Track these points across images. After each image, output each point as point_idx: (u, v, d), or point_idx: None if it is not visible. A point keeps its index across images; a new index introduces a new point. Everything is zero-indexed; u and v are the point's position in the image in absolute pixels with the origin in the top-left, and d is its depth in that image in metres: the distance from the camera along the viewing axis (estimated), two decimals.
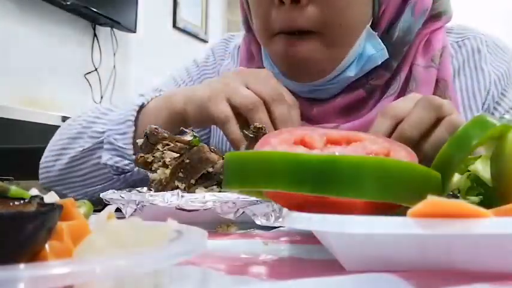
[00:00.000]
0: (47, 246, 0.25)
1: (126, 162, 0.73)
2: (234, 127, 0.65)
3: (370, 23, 0.73)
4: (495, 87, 0.82)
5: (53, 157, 0.82)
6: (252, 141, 0.61)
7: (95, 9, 2.51)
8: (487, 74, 0.82)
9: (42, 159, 0.84)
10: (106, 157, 0.73)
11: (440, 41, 0.81)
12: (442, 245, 0.30)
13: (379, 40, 0.74)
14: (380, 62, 0.75)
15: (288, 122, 0.65)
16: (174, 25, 3.43)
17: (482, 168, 0.38)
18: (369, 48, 0.73)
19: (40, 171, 0.84)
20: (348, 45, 0.72)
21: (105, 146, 0.74)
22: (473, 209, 0.28)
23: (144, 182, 0.90)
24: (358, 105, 0.78)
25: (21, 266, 0.21)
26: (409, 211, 0.28)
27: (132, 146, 0.73)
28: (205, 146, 0.61)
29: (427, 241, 0.30)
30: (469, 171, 0.39)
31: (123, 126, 0.73)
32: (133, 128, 0.73)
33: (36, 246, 0.24)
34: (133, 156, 0.72)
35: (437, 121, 0.58)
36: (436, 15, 0.80)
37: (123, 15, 2.76)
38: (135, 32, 2.89)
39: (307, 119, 0.80)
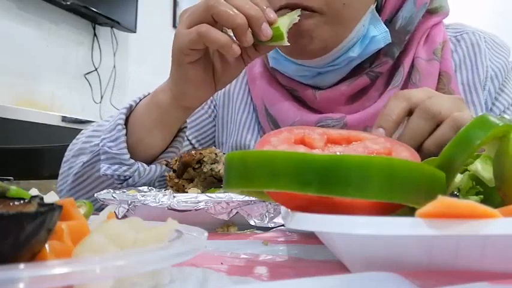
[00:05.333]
0: (47, 246, 0.25)
1: (125, 168, 0.71)
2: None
3: (374, 5, 0.76)
4: (491, 82, 0.83)
5: (63, 179, 0.82)
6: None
7: (95, 9, 2.51)
8: (485, 69, 0.83)
9: (57, 182, 0.85)
10: (104, 167, 0.72)
11: (440, 35, 0.82)
12: (451, 245, 0.29)
13: (383, 24, 0.76)
14: (383, 45, 0.77)
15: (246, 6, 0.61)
16: (174, 25, 3.43)
17: (481, 167, 0.38)
18: (372, 30, 0.76)
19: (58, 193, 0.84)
20: (351, 25, 0.74)
21: (102, 157, 0.73)
22: (484, 209, 0.27)
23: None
24: (362, 94, 0.79)
25: (21, 266, 0.21)
26: (418, 211, 0.28)
27: (127, 150, 0.72)
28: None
29: (436, 242, 0.29)
30: (467, 170, 0.39)
31: (114, 132, 0.72)
32: (124, 132, 0.72)
33: (36, 246, 0.24)
34: (131, 161, 0.71)
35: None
36: (433, 10, 0.82)
37: (123, 15, 2.76)
38: (135, 32, 2.89)
39: (310, 107, 0.81)
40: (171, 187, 0.66)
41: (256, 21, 0.61)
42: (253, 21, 0.61)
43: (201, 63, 0.67)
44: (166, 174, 0.86)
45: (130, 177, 0.72)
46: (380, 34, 0.76)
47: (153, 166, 0.73)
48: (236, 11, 0.61)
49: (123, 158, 0.71)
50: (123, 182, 0.73)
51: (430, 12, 0.82)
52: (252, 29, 0.62)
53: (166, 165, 0.69)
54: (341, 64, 0.77)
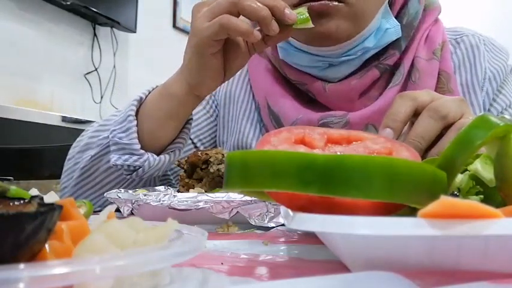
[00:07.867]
0: (47, 246, 0.25)
1: (135, 157, 0.72)
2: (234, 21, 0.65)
3: (387, 0, 0.79)
4: (490, 83, 0.85)
5: (68, 175, 0.82)
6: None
7: (95, 9, 2.51)
8: (483, 70, 0.85)
9: (61, 180, 0.85)
10: (114, 158, 0.73)
11: (440, 36, 0.84)
12: (453, 245, 0.29)
13: (394, 18, 0.80)
14: (395, 38, 0.80)
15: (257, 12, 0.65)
16: (174, 25, 3.43)
17: (481, 167, 0.37)
18: (385, 24, 0.79)
19: (60, 192, 0.85)
20: (369, 18, 0.77)
21: (112, 148, 0.74)
22: (487, 209, 0.27)
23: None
24: (371, 88, 0.81)
25: (21, 266, 0.21)
26: (421, 211, 0.28)
27: (138, 140, 0.72)
28: None
29: (438, 242, 0.29)
30: (467, 170, 0.39)
31: (125, 123, 0.73)
32: (135, 122, 0.73)
33: (36, 246, 0.24)
34: (141, 151, 0.72)
35: (445, 127, 0.57)
36: (425, 7, 0.85)
37: (123, 15, 2.76)
38: (135, 32, 2.89)
39: (314, 104, 0.82)
40: (182, 186, 0.68)
41: (279, 9, 0.65)
42: (276, 10, 0.65)
43: (220, 53, 0.69)
44: (169, 173, 0.87)
45: (140, 168, 0.73)
46: (392, 27, 0.79)
47: (162, 156, 0.74)
48: (259, 4, 0.65)
49: (134, 148, 0.72)
50: (132, 173, 0.74)
51: (424, 9, 0.84)
52: (277, 17, 0.65)
53: (178, 165, 0.70)
54: (356, 54, 0.78)
